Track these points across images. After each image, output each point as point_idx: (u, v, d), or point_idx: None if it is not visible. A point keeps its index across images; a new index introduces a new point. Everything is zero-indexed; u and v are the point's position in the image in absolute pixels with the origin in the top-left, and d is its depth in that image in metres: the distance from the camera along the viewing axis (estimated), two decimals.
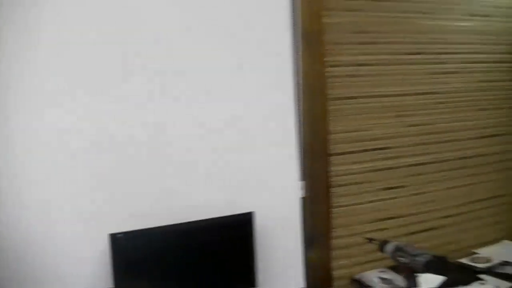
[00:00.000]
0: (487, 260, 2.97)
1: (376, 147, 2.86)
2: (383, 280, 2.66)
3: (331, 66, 2.67)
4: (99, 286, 2.25)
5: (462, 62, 3.10)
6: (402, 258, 2.24)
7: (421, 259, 2.17)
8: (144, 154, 2.32)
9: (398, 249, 2.28)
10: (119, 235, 2.16)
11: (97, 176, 2.25)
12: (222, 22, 2.44)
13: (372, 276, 2.71)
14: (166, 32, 2.34)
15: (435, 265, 2.20)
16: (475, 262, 2.96)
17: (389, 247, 2.32)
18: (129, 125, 2.29)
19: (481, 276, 2.78)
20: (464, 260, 3.00)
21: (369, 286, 2.65)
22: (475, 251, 3.12)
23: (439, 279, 2.65)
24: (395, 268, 2.62)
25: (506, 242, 3.27)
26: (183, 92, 2.38)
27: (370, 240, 2.46)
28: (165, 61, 2.34)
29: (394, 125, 2.90)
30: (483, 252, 3.10)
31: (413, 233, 3.00)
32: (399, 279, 2.38)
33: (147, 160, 2.33)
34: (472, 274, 2.81)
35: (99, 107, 2.23)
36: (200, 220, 2.33)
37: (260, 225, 2.47)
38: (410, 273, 2.23)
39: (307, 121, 2.62)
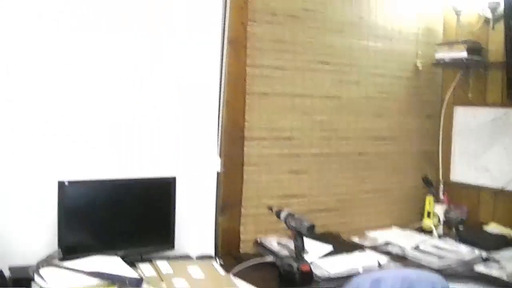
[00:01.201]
0: (374, 240, 3.49)
1: (284, 136, 3.39)
2: (280, 244, 3.12)
3: (251, 67, 3.22)
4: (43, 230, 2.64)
5: (364, 74, 3.68)
6: (291, 223, 2.81)
7: (306, 224, 2.74)
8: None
9: (289, 216, 2.84)
10: (67, 183, 2.57)
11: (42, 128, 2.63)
12: (164, 23, 2.96)
13: (272, 240, 3.18)
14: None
15: (314, 229, 2.77)
16: (363, 241, 3.47)
17: (283, 214, 2.88)
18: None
19: (366, 250, 3.26)
20: (354, 239, 3.53)
21: (268, 248, 3.11)
22: (366, 232, 3.65)
23: (327, 248, 3.20)
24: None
25: (395, 228, 3.78)
26: (118, 78, 2.84)
27: (270, 208, 3.02)
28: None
29: (301, 120, 3.43)
30: (372, 234, 3.61)
31: (312, 211, 3.51)
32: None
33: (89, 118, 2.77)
34: (357, 247, 3.30)
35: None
36: (133, 178, 2.81)
37: (180, 191, 2.94)
38: (297, 235, 2.78)
39: (228, 109, 3.16)
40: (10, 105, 2.56)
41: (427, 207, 3.87)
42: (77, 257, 2.53)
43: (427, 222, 3.83)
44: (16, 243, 2.57)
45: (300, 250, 2.78)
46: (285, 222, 2.85)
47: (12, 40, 2.54)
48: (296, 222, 2.78)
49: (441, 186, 3.98)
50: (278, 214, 2.92)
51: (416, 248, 3.30)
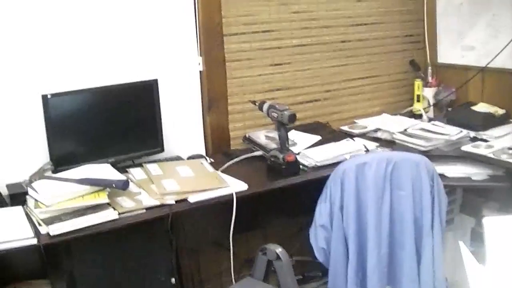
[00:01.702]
0: (363, 127, 3.50)
1: (263, 29, 3.34)
2: (268, 137, 3.16)
3: None
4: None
5: None
6: (274, 114, 2.82)
7: (287, 113, 2.75)
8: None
9: (271, 107, 2.86)
10: (49, 96, 2.60)
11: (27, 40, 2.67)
12: None
13: (260, 134, 3.22)
14: None
15: (295, 118, 2.78)
16: (352, 129, 3.48)
17: (265, 106, 2.90)
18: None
19: (354, 138, 3.28)
20: (343, 127, 3.54)
21: (256, 142, 3.16)
22: (355, 120, 3.67)
23: (315, 138, 3.24)
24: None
25: (385, 114, 3.79)
26: None
27: (253, 102, 3.03)
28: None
29: (279, 11, 3.37)
30: (362, 121, 3.63)
31: (299, 103, 3.52)
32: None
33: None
34: (345, 136, 3.33)
35: None
36: (114, 84, 2.83)
37: (164, 93, 2.98)
38: (280, 126, 2.81)
39: (203, 7, 3.11)
40: None
41: (416, 91, 3.88)
42: (69, 168, 2.60)
43: (417, 106, 3.85)
44: (11, 161, 2.66)
45: (284, 140, 2.81)
46: (268, 114, 2.88)
47: None
48: (277, 113, 2.78)
49: (429, 68, 3.93)
50: (260, 107, 2.94)
51: (405, 132, 3.32)
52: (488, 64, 3.53)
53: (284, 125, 2.79)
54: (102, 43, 2.86)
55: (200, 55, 3.15)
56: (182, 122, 3.13)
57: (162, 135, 2.95)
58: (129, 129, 2.87)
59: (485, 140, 3.13)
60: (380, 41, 3.83)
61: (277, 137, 2.88)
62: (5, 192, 2.52)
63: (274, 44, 3.39)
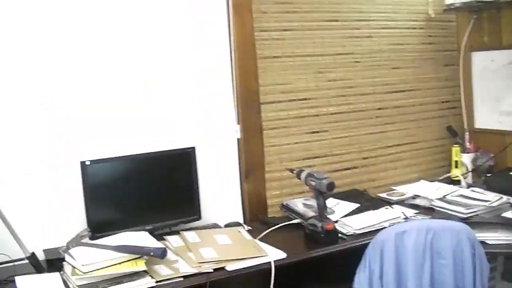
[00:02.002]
0: (401, 194, 3.44)
1: (300, 97, 3.37)
2: (305, 205, 3.11)
3: (260, 31, 3.21)
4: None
5: (375, 28, 3.61)
6: (312, 182, 2.80)
7: (325, 182, 2.73)
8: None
9: (309, 175, 2.84)
10: (88, 163, 2.66)
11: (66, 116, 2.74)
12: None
13: (297, 202, 3.17)
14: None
15: (334, 186, 2.75)
16: (390, 196, 3.42)
17: (303, 174, 2.89)
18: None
19: (392, 206, 3.23)
20: (381, 195, 3.49)
21: (294, 210, 3.11)
22: (393, 187, 3.62)
23: (353, 206, 3.20)
24: None
25: (423, 181, 3.73)
26: (134, 54, 2.92)
27: (291, 170, 3.02)
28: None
29: (315, 79, 3.40)
30: (400, 188, 3.57)
31: (336, 170, 3.50)
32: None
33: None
34: (383, 203, 3.28)
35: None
36: (152, 152, 2.86)
37: (202, 161, 3.00)
38: (318, 194, 2.77)
39: (240, 76, 3.16)
40: (31, 91, 2.66)
41: (454, 157, 3.82)
42: (106, 234, 2.59)
43: (455, 172, 3.79)
44: (48, 226, 2.68)
45: (322, 208, 2.77)
46: (306, 183, 2.85)
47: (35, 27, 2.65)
48: (315, 181, 2.76)
49: (466, 134, 3.90)
50: (298, 175, 2.92)
51: (443, 198, 3.27)
52: None
53: (322, 193, 2.75)
54: (141, 111, 2.91)
55: (238, 123, 3.17)
56: (219, 190, 3.13)
57: (199, 203, 2.95)
58: (167, 197, 2.88)
59: None
60: (417, 108, 3.83)
61: (315, 205, 2.84)
62: (42, 257, 2.51)
63: (311, 112, 3.40)
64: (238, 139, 3.19)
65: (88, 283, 2.22)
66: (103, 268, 2.26)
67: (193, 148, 2.93)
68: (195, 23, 3.03)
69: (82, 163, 2.63)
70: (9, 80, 2.60)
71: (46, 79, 2.67)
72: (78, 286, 2.21)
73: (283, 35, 3.30)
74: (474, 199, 3.20)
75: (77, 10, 2.73)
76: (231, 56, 3.14)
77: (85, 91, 2.77)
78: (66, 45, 2.71)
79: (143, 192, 2.82)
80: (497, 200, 3.12)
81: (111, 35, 2.84)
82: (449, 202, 3.18)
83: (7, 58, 2.59)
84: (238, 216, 3.19)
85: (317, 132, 3.44)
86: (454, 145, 3.84)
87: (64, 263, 2.41)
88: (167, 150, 2.89)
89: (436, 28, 3.90)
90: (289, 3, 3.31)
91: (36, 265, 2.44)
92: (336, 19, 3.47)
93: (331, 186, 2.73)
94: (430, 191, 3.42)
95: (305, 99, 3.39)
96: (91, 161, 2.65)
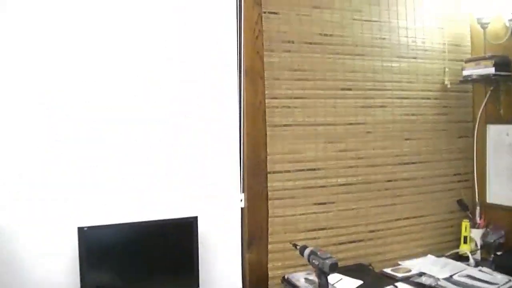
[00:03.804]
0: (407, 270, 3.33)
1: (308, 168, 3.28)
2: (307, 280, 3.02)
3: (271, 98, 3.14)
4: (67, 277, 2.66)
5: (389, 98, 3.53)
6: (314, 261, 2.69)
7: (328, 262, 2.61)
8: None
9: (312, 253, 2.72)
10: (86, 229, 2.59)
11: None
12: (179, 56, 2.95)
13: (299, 276, 3.08)
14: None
15: (337, 267, 2.63)
16: (396, 272, 3.31)
17: (306, 252, 2.77)
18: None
19: (397, 283, 3.12)
20: (387, 270, 3.36)
21: (295, 285, 3.01)
22: (400, 262, 3.51)
23: (357, 283, 3.08)
24: None
25: (430, 256, 3.62)
26: (138, 117, 2.86)
27: (294, 245, 2.92)
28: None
29: (325, 149, 3.32)
30: (406, 263, 3.47)
31: (342, 243, 3.39)
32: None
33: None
34: (388, 280, 3.17)
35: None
36: (153, 220, 2.77)
37: (204, 229, 2.91)
38: (321, 274, 2.66)
39: (249, 143, 3.08)
40: (29, 155, 2.64)
41: (464, 232, 3.70)
42: None
43: (464, 248, 3.67)
44: None
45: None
46: (308, 260, 2.74)
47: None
48: (319, 261, 2.65)
49: (478, 208, 3.79)
50: (301, 252, 2.81)
51: (450, 278, 3.16)
52: None
53: (325, 273, 2.64)
54: (144, 177, 2.87)
55: (243, 192, 3.08)
56: (220, 258, 3.05)
57: (198, 272, 2.84)
58: (165, 265, 2.79)
59: None
60: (427, 180, 3.72)
61: (317, 280, 2.72)
62: None
63: (319, 183, 3.31)
64: (242, 207, 3.10)
65: None
66: None
67: (195, 218, 2.84)
68: (206, 89, 3.00)
69: (80, 229, 2.57)
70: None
71: (44, 143, 2.65)
72: None
73: (295, 102, 3.23)
74: (482, 280, 3.09)
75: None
76: (240, 123, 3.08)
77: (86, 150, 2.75)
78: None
79: (141, 260, 2.73)
80: (505, 283, 3.02)
81: (115, 97, 2.82)
82: (456, 283, 3.07)
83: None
84: (238, 286, 3.11)
85: (324, 203, 3.34)
86: (464, 220, 3.72)
87: None
88: (168, 219, 2.81)
89: (452, 98, 3.82)
90: (302, 70, 3.24)
91: None
92: (350, 87, 3.40)
93: (334, 266, 2.61)
94: (437, 268, 3.32)
95: (314, 169, 3.30)
96: (88, 227, 2.60)
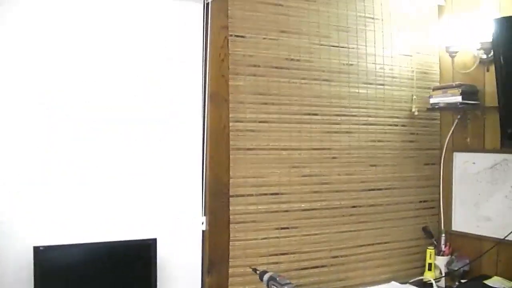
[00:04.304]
0: None
1: (272, 192, 3.25)
2: None
3: (235, 121, 3.12)
4: None
5: (355, 124, 3.53)
6: (273, 286, 2.67)
7: None
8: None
9: (271, 279, 2.70)
10: (42, 248, 2.54)
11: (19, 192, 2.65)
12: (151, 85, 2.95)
13: None
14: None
15: None
16: None
17: (266, 277, 2.75)
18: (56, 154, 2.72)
19: None
20: None
21: None
22: None
23: None
24: None
25: (394, 283, 3.60)
26: (97, 135, 2.83)
27: (254, 269, 2.90)
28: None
29: (289, 174, 3.30)
30: None
31: (304, 268, 3.36)
32: None
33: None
34: None
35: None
36: (110, 241, 2.74)
37: (163, 252, 2.88)
38: None
39: (211, 166, 3.07)
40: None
41: (428, 259, 3.70)
42: None
43: (428, 275, 3.66)
44: None
45: None
46: (267, 286, 2.72)
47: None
48: (277, 286, 2.64)
49: (443, 236, 3.79)
50: (261, 277, 2.78)
51: None
52: (506, 237, 3.37)
53: None
54: (102, 195, 2.83)
55: (204, 215, 3.06)
56: (180, 282, 3.01)
57: None
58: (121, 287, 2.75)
59: None
60: (393, 207, 3.71)
61: None
62: None
63: (282, 207, 3.28)
64: (203, 231, 3.08)
65: None
66: None
67: (154, 240, 2.82)
68: (170, 110, 2.99)
69: (35, 248, 2.53)
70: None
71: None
72: None
73: (259, 126, 3.21)
74: None
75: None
76: (203, 146, 3.07)
77: (41, 173, 2.71)
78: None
79: (97, 283, 2.69)
80: None
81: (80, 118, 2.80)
82: None
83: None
84: None
85: (287, 228, 3.30)
86: (429, 247, 3.72)
87: None
88: (127, 240, 2.78)
89: (419, 126, 3.83)
90: (267, 94, 3.23)
91: None
92: (316, 112, 3.38)
93: None
94: None
95: (277, 193, 3.27)
96: (44, 246, 2.55)
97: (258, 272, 2.83)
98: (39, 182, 2.68)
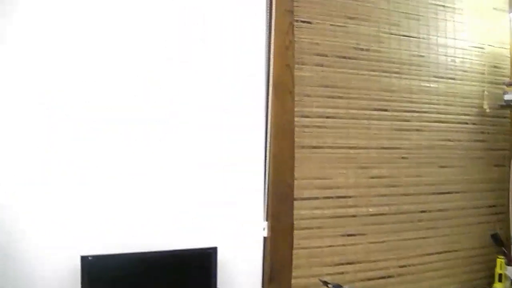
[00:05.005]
0: None
1: (338, 195, 3.01)
2: None
3: (300, 116, 2.86)
4: None
5: (426, 121, 3.28)
6: None
7: None
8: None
9: None
10: (90, 258, 2.33)
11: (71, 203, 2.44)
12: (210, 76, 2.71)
13: None
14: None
15: None
16: None
17: None
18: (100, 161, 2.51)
19: None
20: None
21: None
22: None
23: None
24: None
25: None
26: (154, 140, 2.62)
27: (325, 283, 2.62)
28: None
29: (357, 175, 3.05)
30: None
31: (370, 279, 3.12)
32: None
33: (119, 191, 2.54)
34: None
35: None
36: (166, 251, 2.51)
37: (223, 259, 2.63)
38: None
39: (274, 167, 2.80)
40: (33, 181, 2.42)
41: (498, 269, 3.44)
42: None
43: (498, 287, 3.42)
44: None
45: None
46: None
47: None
48: None
49: None
50: None
51: None
52: None
53: None
54: (157, 202, 2.63)
55: (266, 220, 2.80)
56: None
57: None
58: None
59: None
60: (461, 212, 3.45)
61: None
62: None
63: (349, 212, 3.04)
64: (264, 237, 2.83)
65: None
66: None
67: (214, 249, 2.59)
68: (229, 103, 2.75)
69: (83, 258, 2.33)
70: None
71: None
72: None
73: (326, 122, 2.96)
74: None
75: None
76: (266, 143, 2.82)
77: (97, 181, 2.52)
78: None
79: None
80: None
81: (130, 126, 2.60)
82: None
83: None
84: None
85: (353, 235, 3.06)
86: (499, 256, 3.45)
87: None
88: (184, 250, 2.56)
89: (490, 124, 3.56)
90: (335, 86, 2.98)
91: None
92: (385, 108, 3.13)
93: None
94: None
95: (344, 197, 3.03)
96: (93, 256, 2.34)
97: (330, 286, 2.56)
98: (98, 189, 2.52)
